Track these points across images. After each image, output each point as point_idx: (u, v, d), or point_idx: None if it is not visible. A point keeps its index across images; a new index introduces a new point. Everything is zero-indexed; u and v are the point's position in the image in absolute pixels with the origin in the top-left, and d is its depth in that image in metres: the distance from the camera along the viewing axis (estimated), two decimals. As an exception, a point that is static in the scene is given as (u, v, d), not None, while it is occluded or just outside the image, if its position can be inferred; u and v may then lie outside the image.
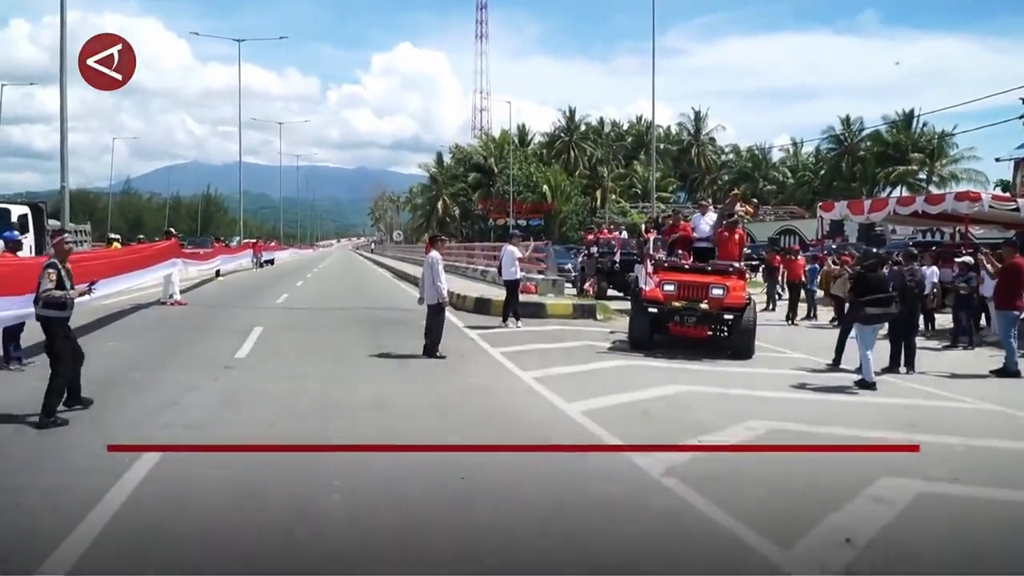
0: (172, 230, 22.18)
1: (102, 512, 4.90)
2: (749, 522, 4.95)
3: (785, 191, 75.19)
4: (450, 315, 17.14)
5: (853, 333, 10.89)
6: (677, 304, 12.27)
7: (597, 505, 5.29)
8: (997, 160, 31.11)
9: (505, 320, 15.40)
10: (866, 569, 4.34)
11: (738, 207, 14.49)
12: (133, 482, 5.50)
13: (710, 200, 16.73)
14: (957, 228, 23.51)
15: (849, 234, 50.26)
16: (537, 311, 17.32)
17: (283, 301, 21.02)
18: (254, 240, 47.69)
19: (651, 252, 13.95)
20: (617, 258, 22.90)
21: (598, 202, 72.83)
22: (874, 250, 12.38)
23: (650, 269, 12.96)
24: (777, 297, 22.52)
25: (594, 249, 24.36)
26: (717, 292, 12.25)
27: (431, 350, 11.54)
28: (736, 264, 13.21)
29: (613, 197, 71.84)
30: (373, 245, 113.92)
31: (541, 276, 20.67)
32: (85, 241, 25.23)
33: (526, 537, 4.74)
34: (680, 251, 13.99)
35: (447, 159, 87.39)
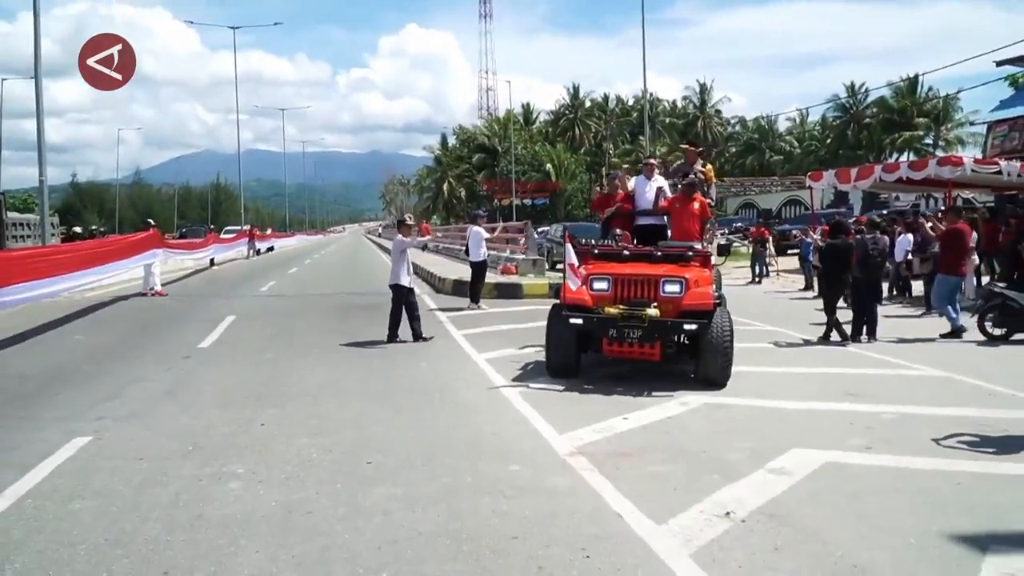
0: (151, 221, 22.30)
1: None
2: (638, 499, 4.98)
3: (792, 161, 74.58)
4: (427, 297, 17.30)
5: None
6: (613, 310, 8.34)
7: (494, 481, 5.34)
8: (971, 124, 30.65)
9: (475, 301, 15.44)
10: (732, 541, 4.35)
11: (698, 165, 10.82)
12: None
13: (658, 158, 13.17)
14: (950, 192, 23.27)
15: (854, 203, 49.93)
16: (514, 291, 17.38)
17: (267, 289, 21.14)
18: (248, 227, 47.49)
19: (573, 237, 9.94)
20: None
21: (604, 179, 72.59)
22: None
23: (573, 259, 8.98)
24: (766, 270, 22.46)
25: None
26: (672, 289, 8.47)
27: (391, 334, 11.57)
28: (697, 246, 9.52)
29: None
30: (381, 229, 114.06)
31: (522, 256, 20.70)
32: (53, 235, 25.11)
33: (417, 508, 4.79)
34: (618, 231, 10.15)
35: (451, 141, 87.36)
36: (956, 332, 11.32)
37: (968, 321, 11.48)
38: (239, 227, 50.68)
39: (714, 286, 9.02)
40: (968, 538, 4.37)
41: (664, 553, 4.19)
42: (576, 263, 8.96)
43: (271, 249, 47.47)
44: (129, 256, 17.13)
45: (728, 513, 4.73)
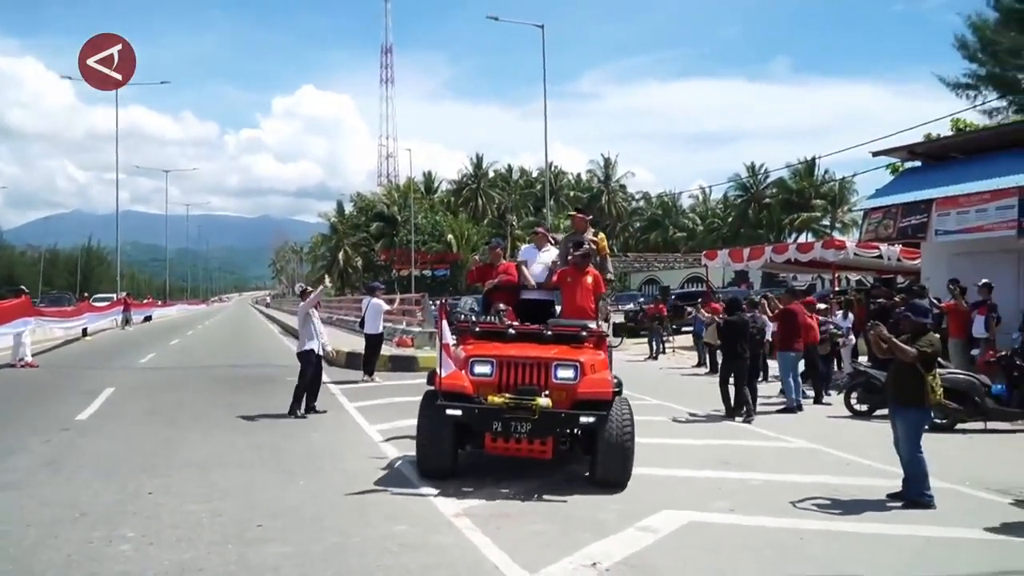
0: (23, 287, 22.03)
1: None
2: (514, 553, 5.69)
3: (695, 238, 78.28)
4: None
5: None
6: (497, 399, 7.48)
7: (381, 540, 5.97)
8: (849, 211, 33.57)
9: (369, 373, 16.02)
10: (596, 586, 5.12)
11: (589, 234, 9.90)
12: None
13: (548, 226, 12.55)
14: (837, 274, 25.39)
15: (754, 281, 52.83)
16: (409, 364, 18.00)
17: (147, 361, 21.10)
18: (123, 296, 46.39)
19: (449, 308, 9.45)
20: None
21: (507, 252, 74.32)
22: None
23: (449, 338, 7.97)
24: (663, 347, 23.77)
25: None
26: (565, 375, 7.74)
27: (295, 405, 11.96)
28: (592, 324, 8.75)
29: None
30: (269, 299, 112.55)
31: (419, 328, 21.40)
32: None
33: (306, 564, 5.36)
34: (501, 306, 9.16)
35: (348, 208, 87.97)
36: (790, 408, 12.81)
37: (835, 397, 12.82)
38: (112, 295, 49.31)
39: (611, 372, 8.32)
40: (800, 581, 5.28)
41: (533, 596, 4.92)
42: (452, 343, 7.99)
43: (148, 319, 46.46)
44: (-3, 324, 16.99)
45: (595, 564, 5.50)
